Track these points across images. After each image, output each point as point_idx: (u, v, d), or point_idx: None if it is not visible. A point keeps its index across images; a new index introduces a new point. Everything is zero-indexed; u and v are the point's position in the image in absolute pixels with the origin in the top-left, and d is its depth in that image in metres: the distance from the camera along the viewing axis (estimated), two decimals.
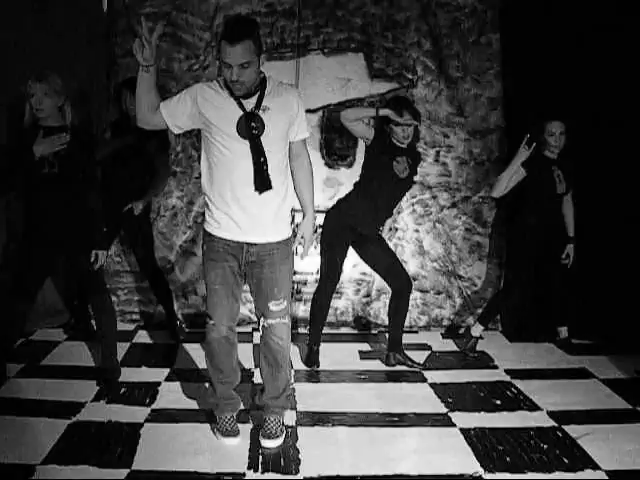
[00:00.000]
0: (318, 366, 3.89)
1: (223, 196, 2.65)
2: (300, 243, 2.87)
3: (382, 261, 3.87)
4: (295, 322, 4.56)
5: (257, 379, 3.60)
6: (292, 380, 3.64)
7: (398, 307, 3.86)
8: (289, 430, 2.98)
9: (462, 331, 4.54)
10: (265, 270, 2.73)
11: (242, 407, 3.05)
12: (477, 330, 4.18)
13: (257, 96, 2.59)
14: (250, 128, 2.56)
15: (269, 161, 2.60)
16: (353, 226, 3.75)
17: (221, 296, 2.75)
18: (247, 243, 2.69)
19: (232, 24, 2.52)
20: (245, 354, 3.91)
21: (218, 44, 2.55)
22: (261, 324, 2.83)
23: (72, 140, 3.18)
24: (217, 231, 2.70)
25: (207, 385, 2.99)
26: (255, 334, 4.46)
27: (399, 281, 3.85)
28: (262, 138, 2.58)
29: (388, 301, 3.94)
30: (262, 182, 2.60)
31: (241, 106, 2.57)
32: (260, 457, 2.73)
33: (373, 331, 4.66)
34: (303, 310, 4.64)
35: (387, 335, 3.99)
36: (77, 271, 3.51)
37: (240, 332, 2.91)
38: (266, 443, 2.82)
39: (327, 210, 3.90)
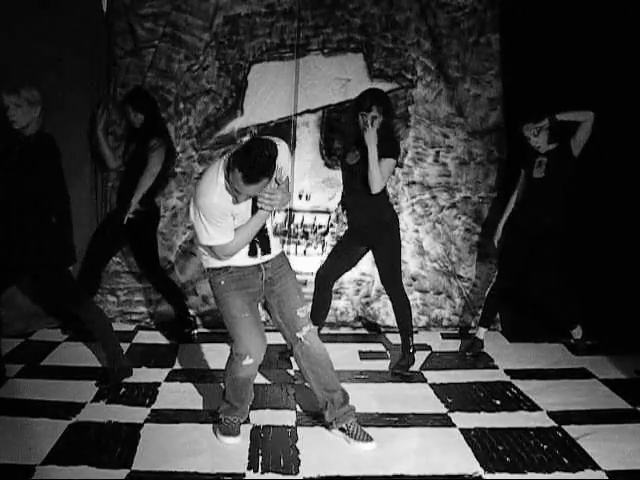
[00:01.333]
0: None
1: None
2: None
3: (380, 270, 3.80)
4: None
5: (257, 380, 3.61)
6: (297, 381, 3.65)
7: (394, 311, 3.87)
8: (289, 430, 2.98)
9: (470, 332, 4.54)
10: (283, 280, 2.87)
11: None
12: (481, 333, 4.19)
13: None
14: (256, 206, 2.68)
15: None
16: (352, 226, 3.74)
17: (253, 323, 2.80)
18: (261, 262, 2.82)
19: (252, 163, 2.40)
20: None
21: (236, 158, 2.48)
22: (295, 346, 2.88)
23: (28, 149, 3.14)
24: (233, 261, 2.75)
25: (225, 405, 2.96)
26: None
27: (389, 292, 3.84)
28: None
29: (389, 301, 3.93)
30: (265, 249, 2.80)
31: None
32: (260, 457, 2.74)
33: (373, 331, 4.66)
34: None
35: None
36: (44, 285, 3.47)
37: None
38: (366, 446, 2.84)
39: None
